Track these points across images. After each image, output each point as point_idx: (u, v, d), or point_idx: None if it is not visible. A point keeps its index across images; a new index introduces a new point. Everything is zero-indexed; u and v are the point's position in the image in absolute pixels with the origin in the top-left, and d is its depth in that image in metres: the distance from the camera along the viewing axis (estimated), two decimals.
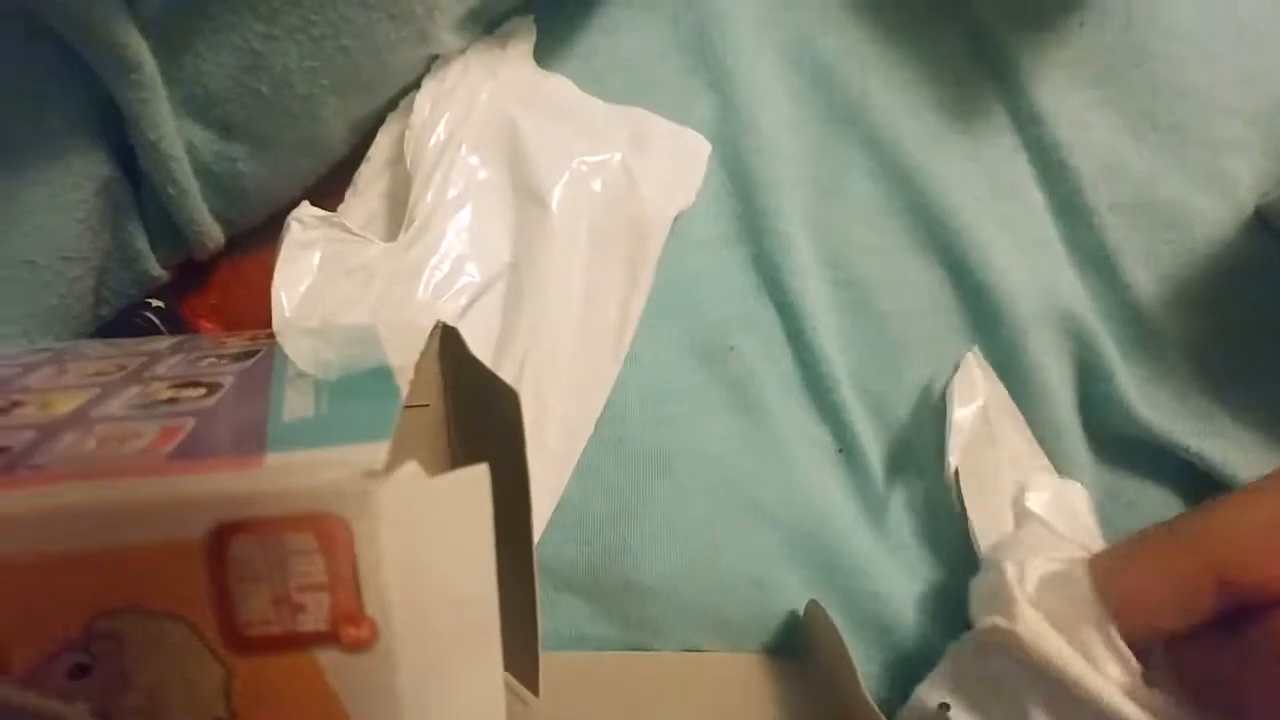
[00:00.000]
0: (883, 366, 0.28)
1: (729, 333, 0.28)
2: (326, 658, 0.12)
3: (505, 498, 0.15)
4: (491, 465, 0.13)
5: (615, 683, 0.25)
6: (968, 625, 0.24)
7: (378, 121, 0.27)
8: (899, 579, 0.27)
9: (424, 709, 0.12)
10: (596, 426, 0.27)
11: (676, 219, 0.28)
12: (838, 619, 0.24)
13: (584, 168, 0.27)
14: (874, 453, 0.27)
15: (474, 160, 0.27)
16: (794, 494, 0.27)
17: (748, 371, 0.27)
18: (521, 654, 0.21)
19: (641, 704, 0.25)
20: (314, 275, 0.25)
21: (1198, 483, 0.27)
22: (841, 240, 0.28)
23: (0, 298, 0.22)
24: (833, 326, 0.28)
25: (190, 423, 0.14)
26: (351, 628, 0.12)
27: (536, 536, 0.25)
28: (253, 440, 0.13)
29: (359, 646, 0.12)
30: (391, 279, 0.25)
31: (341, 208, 0.27)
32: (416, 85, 0.27)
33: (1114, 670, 0.20)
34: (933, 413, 0.27)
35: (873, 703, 0.21)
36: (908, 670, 0.26)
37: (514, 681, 0.22)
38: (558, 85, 0.29)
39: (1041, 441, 0.27)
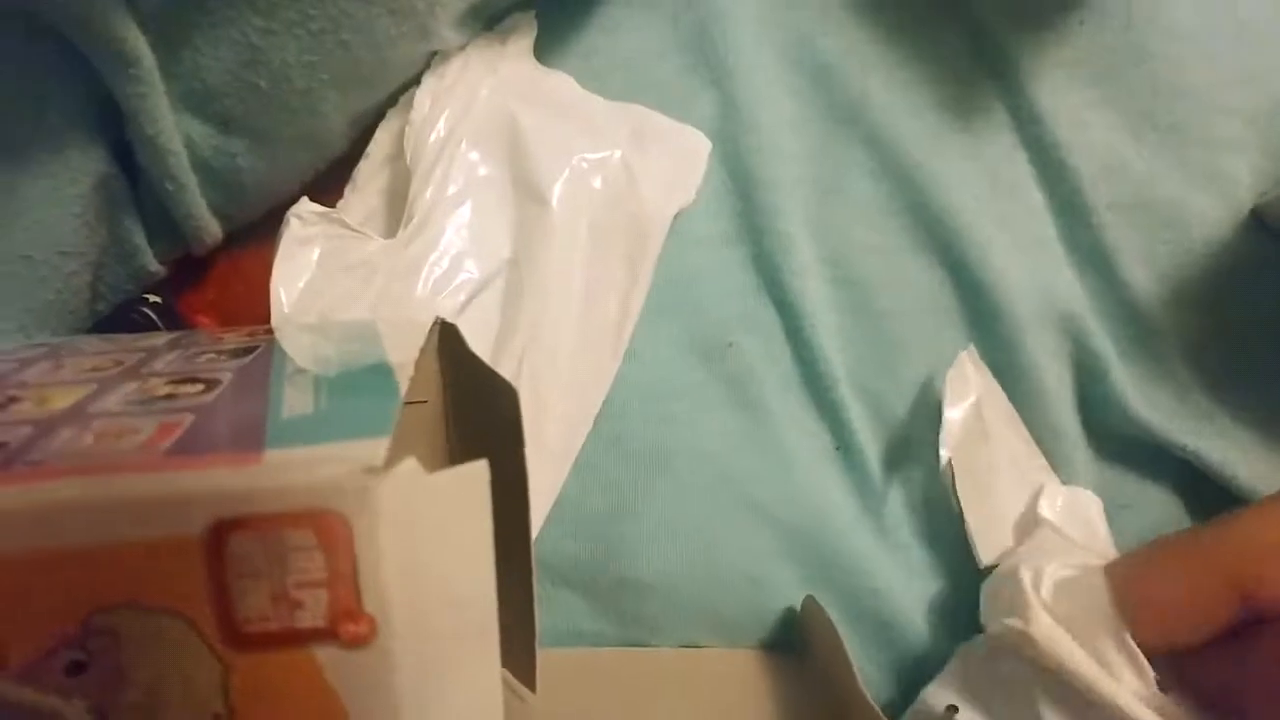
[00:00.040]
0: (881, 365, 0.28)
1: (728, 331, 0.28)
2: (325, 654, 0.12)
3: (503, 494, 0.15)
4: (490, 462, 0.13)
5: (612, 679, 0.25)
6: (975, 627, 0.24)
7: (377, 117, 0.27)
8: (898, 576, 0.27)
9: (422, 705, 0.12)
10: (595, 423, 0.27)
11: (676, 217, 0.28)
12: (836, 616, 0.24)
13: (584, 165, 0.27)
14: (872, 451, 0.27)
15: (474, 156, 0.27)
16: (792, 492, 0.27)
17: (747, 370, 0.27)
18: (519, 651, 0.21)
19: (639, 700, 0.25)
20: (313, 271, 0.25)
21: (1196, 484, 0.27)
22: (841, 239, 0.28)
23: None
24: (832, 325, 0.28)
25: (188, 419, 0.14)
26: (350, 624, 0.12)
27: (535, 533, 0.25)
28: (251, 436, 0.13)
29: (357, 643, 0.12)
30: (391, 275, 0.25)
31: (341, 204, 0.27)
32: (417, 81, 0.27)
33: (1129, 676, 0.20)
34: (931, 411, 0.27)
35: (870, 698, 0.21)
36: (906, 667, 0.26)
37: (511, 678, 0.22)
38: (558, 82, 0.29)
39: (1039, 442, 0.27)
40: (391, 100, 0.27)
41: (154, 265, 0.25)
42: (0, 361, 0.18)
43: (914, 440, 0.27)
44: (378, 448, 0.12)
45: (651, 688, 0.25)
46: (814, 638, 0.25)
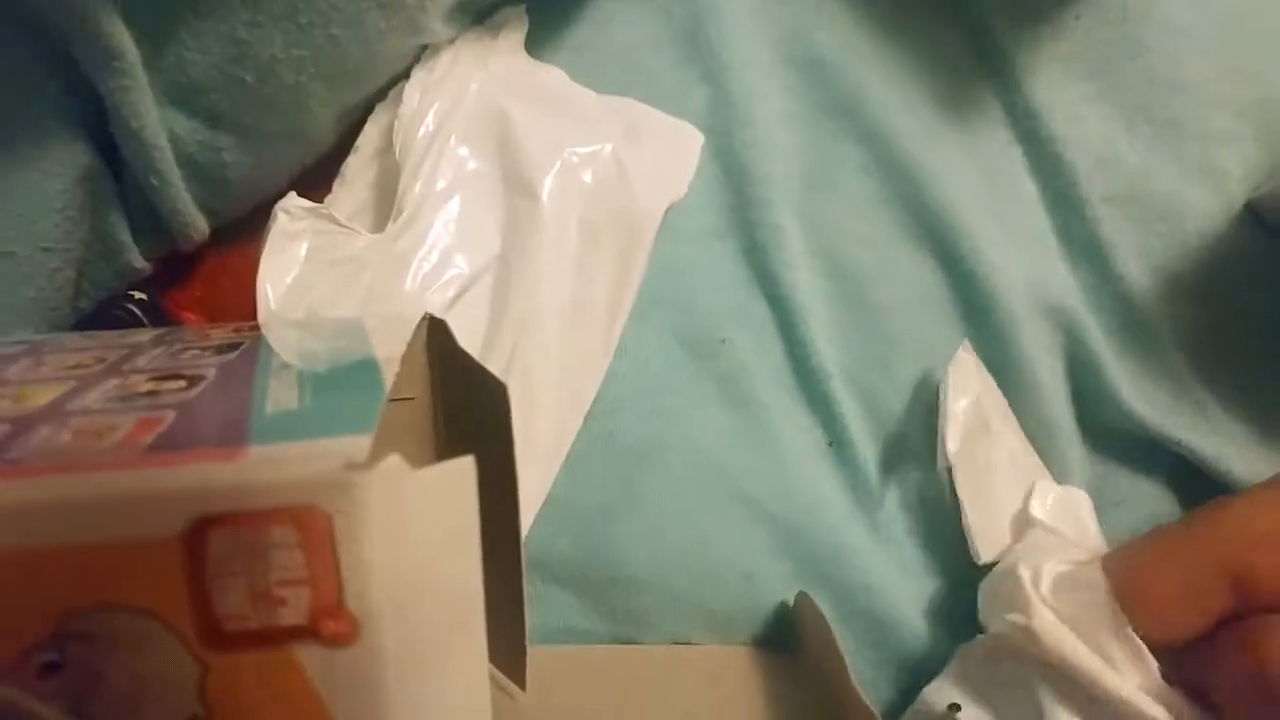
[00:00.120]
0: (874, 359, 0.28)
1: (720, 325, 0.27)
2: (306, 653, 0.12)
3: (493, 491, 0.15)
4: (479, 458, 0.13)
5: (603, 676, 0.25)
6: (970, 624, 0.24)
7: (366, 111, 0.27)
8: (891, 571, 0.27)
9: (407, 705, 0.12)
10: (586, 420, 0.26)
11: (668, 211, 0.28)
12: (829, 612, 0.24)
13: (575, 159, 0.27)
14: (865, 445, 0.27)
15: (463, 151, 0.27)
16: (785, 487, 0.27)
17: (739, 364, 0.27)
18: (510, 649, 0.21)
19: (630, 698, 0.25)
20: (300, 266, 0.25)
21: (1189, 480, 0.27)
22: (834, 233, 0.28)
23: None
24: (824, 319, 0.28)
25: (170, 415, 0.14)
26: (331, 622, 0.11)
27: (525, 530, 0.24)
28: (234, 432, 0.13)
29: (339, 641, 0.12)
30: (379, 270, 0.25)
31: (329, 198, 0.27)
32: (406, 75, 0.27)
33: (1131, 668, 0.20)
34: (924, 406, 0.27)
35: (863, 694, 0.21)
36: (901, 664, 0.26)
37: (502, 676, 0.21)
38: (549, 76, 0.28)
39: (1033, 437, 0.27)
40: (381, 94, 0.27)
41: (139, 262, 0.25)
42: None
43: (907, 435, 0.27)
44: (361, 444, 0.12)
45: (643, 685, 0.25)
46: (807, 634, 0.25)
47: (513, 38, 0.28)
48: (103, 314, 0.25)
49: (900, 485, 0.27)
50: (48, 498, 0.11)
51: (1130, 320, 0.28)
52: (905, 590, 0.27)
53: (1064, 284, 0.28)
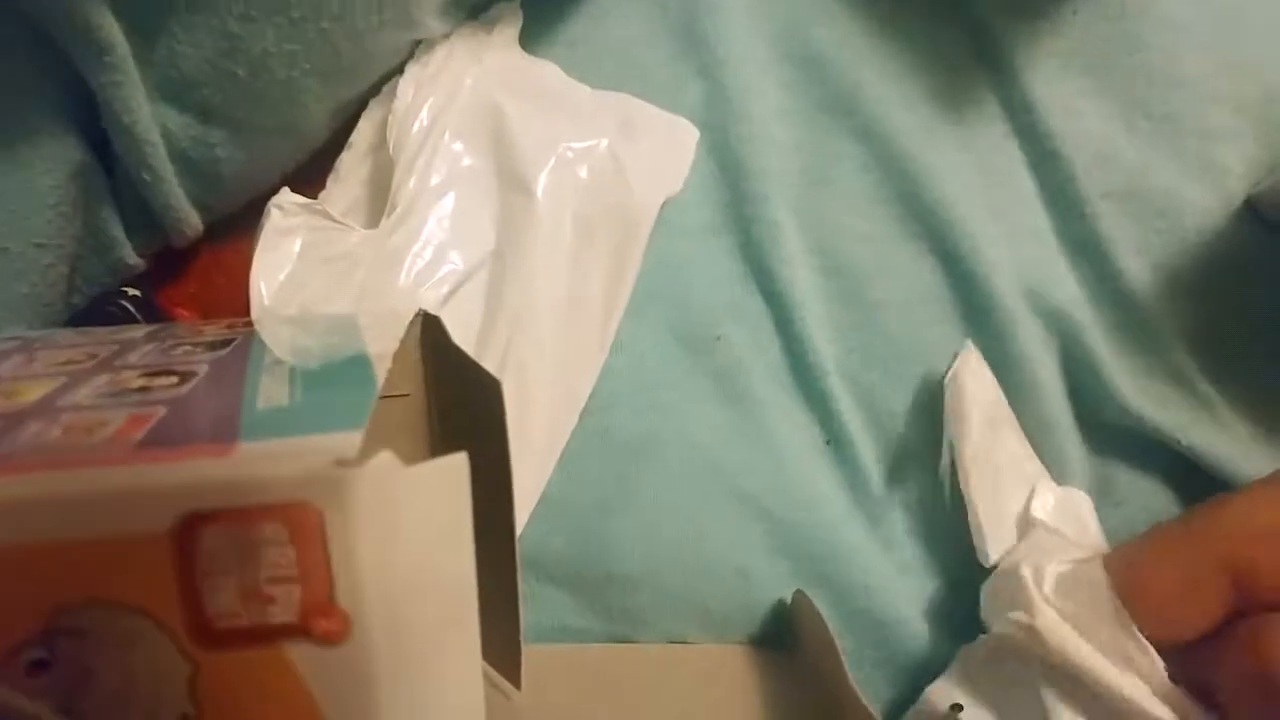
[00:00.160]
0: (871, 356, 0.28)
1: (716, 321, 0.27)
2: (298, 651, 0.11)
3: (487, 488, 0.15)
4: (474, 455, 0.13)
5: (598, 675, 0.25)
6: (970, 624, 0.24)
7: (360, 107, 0.27)
8: (889, 570, 0.26)
9: (400, 703, 0.12)
10: (581, 416, 0.26)
11: (664, 206, 0.27)
12: (827, 611, 0.24)
13: (570, 154, 0.27)
14: (862, 443, 0.27)
15: (458, 146, 0.27)
16: (781, 484, 0.26)
17: (735, 361, 0.27)
18: (504, 647, 0.21)
19: (625, 696, 0.25)
20: (294, 263, 0.25)
21: (1190, 477, 0.27)
22: (831, 229, 0.28)
23: None
24: (821, 315, 0.28)
25: (161, 411, 0.14)
26: (322, 619, 0.11)
27: (519, 528, 0.24)
28: (225, 428, 0.13)
29: (330, 639, 0.11)
30: (373, 266, 0.25)
31: (323, 194, 0.27)
32: (400, 70, 0.26)
33: (1135, 666, 0.20)
34: (923, 404, 0.27)
35: (861, 694, 0.21)
36: (899, 664, 0.26)
37: (496, 675, 0.21)
38: (544, 71, 0.28)
39: (1032, 436, 0.27)
40: (374, 90, 0.27)
41: (132, 258, 0.25)
42: None
43: (906, 434, 0.27)
44: (352, 440, 0.12)
45: (638, 684, 0.25)
46: (804, 632, 0.25)
47: (507, 33, 0.28)
48: (96, 310, 0.25)
49: (900, 484, 0.27)
50: (38, 494, 0.11)
51: (1129, 317, 0.27)
52: (905, 590, 0.26)
53: (1063, 281, 0.27)
